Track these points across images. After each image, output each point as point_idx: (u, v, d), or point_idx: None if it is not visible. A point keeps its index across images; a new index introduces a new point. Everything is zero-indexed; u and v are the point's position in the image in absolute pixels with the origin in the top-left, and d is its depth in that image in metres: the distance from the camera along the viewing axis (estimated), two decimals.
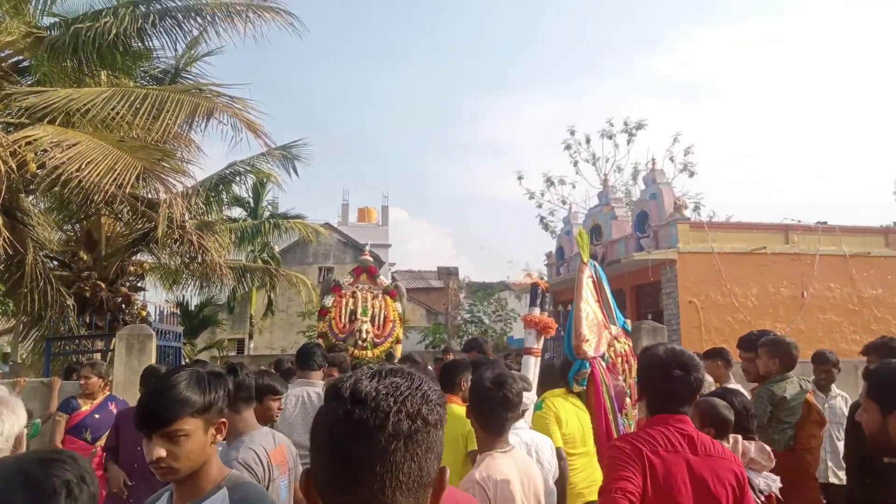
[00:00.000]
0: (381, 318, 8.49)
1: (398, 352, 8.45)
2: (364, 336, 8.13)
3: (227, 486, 1.77)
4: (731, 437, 2.92)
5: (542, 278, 4.13)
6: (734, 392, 3.36)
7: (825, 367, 4.97)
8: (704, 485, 1.95)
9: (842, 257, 15.91)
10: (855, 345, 12.81)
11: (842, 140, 65.65)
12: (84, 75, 7.38)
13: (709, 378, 4.46)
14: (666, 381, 2.09)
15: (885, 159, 64.48)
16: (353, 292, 8.54)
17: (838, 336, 15.25)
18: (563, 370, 4.47)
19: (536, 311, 4.27)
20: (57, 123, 6.35)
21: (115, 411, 5.05)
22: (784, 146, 66.65)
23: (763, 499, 2.85)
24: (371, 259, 9.22)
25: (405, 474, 0.85)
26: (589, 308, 4.62)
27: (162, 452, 1.66)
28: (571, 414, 3.86)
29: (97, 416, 5.13)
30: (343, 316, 8.28)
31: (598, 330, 4.58)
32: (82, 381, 5.21)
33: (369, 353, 8.02)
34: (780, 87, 70.78)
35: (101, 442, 4.85)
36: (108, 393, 5.45)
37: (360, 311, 8.39)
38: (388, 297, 8.70)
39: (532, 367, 4.21)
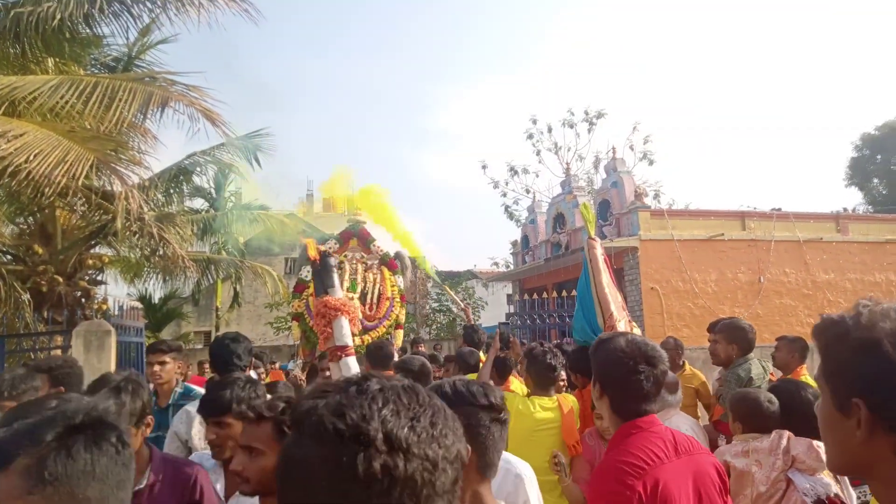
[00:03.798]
0: (375, 296, 6.84)
1: (398, 339, 6.91)
2: None
3: None
4: (776, 432, 2.69)
5: (322, 244, 2.77)
6: (803, 386, 3.01)
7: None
8: (694, 486, 1.85)
9: (796, 243, 16.40)
10: (809, 328, 13.24)
11: (796, 125, 67.41)
12: (29, 62, 7.17)
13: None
14: (632, 378, 1.90)
15: (836, 145, 66.47)
16: (340, 262, 6.79)
17: (794, 320, 15.74)
18: (581, 356, 3.89)
19: (337, 290, 2.94)
20: (1, 113, 6.18)
21: None
22: (741, 132, 68.15)
23: None
24: (364, 220, 7.42)
25: None
26: (611, 286, 4.15)
27: None
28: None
29: None
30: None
31: (620, 312, 4.10)
32: None
33: (356, 340, 6.59)
34: (735, 78, 72.23)
35: None
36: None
37: (347, 285, 6.73)
38: (384, 269, 7.01)
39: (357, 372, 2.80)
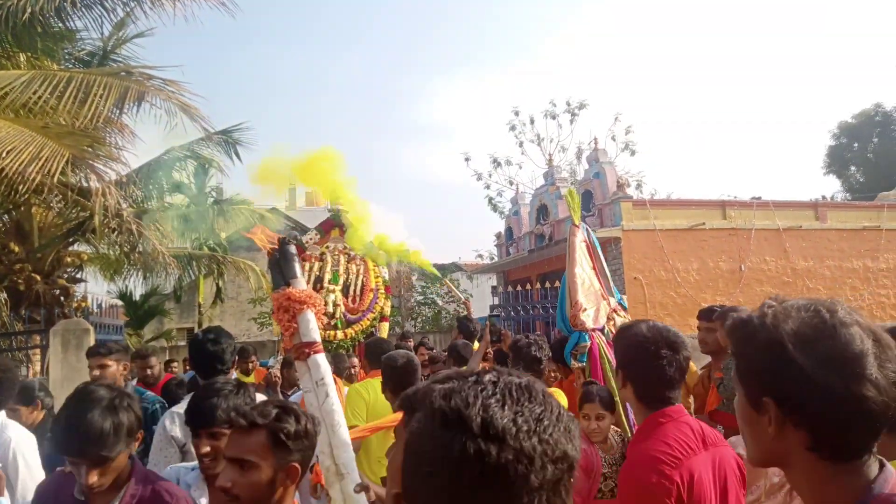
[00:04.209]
0: (358, 287, 6.62)
1: (384, 331, 6.79)
2: (330, 310, 6.32)
3: None
4: None
5: (295, 238, 2.55)
6: None
7: None
8: (720, 478, 1.82)
9: (775, 231, 16.60)
10: None
11: (775, 116, 68.19)
12: (0, 57, 7.03)
13: None
14: (655, 363, 1.85)
15: (815, 133, 67.33)
16: (322, 253, 6.72)
17: None
18: (558, 346, 4.06)
19: (300, 281, 2.56)
20: None
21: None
22: (721, 123, 68.78)
23: None
24: (345, 208, 6.89)
25: None
26: (584, 274, 4.12)
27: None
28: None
29: None
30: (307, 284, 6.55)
31: (596, 299, 4.07)
32: None
33: (339, 334, 6.36)
34: (715, 69, 72.78)
35: None
36: None
37: (328, 277, 6.58)
38: (368, 260, 6.81)
39: (327, 373, 2.44)
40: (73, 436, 1.87)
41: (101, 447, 1.86)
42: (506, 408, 0.73)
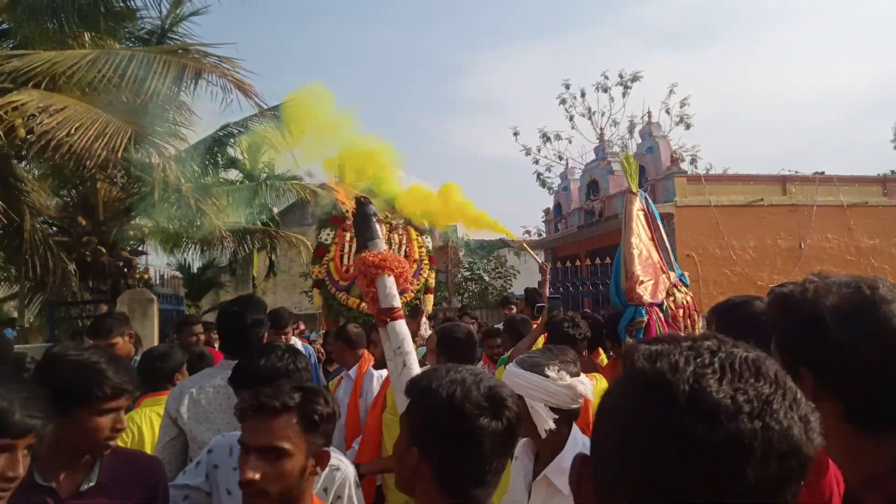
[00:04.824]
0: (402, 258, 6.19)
1: (428, 304, 6.54)
2: None
3: None
4: None
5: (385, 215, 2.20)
6: None
7: None
8: None
9: (839, 207, 15.87)
10: None
11: (840, 86, 64.63)
12: (67, 37, 7.31)
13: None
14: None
15: (884, 105, 63.56)
16: None
17: None
18: (612, 323, 3.79)
19: (378, 244, 2.38)
20: (42, 88, 6.33)
21: None
22: (781, 94, 65.65)
23: None
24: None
25: None
26: (642, 245, 3.85)
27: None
28: None
29: None
30: (346, 256, 6.13)
31: (654, 272, 3.80)
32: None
33: None
34: (776, 35, 69.26)
35: None
36: None
37: None
38: (411, 229, 6.50)
39: (405, 340, 2.33)
40: None
41: None
42: (724, 382, 0.60)
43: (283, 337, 4.65)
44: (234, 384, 2.14)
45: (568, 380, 2.02)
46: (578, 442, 2.03)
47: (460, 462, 1.22)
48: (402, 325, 2.29)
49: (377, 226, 2.42)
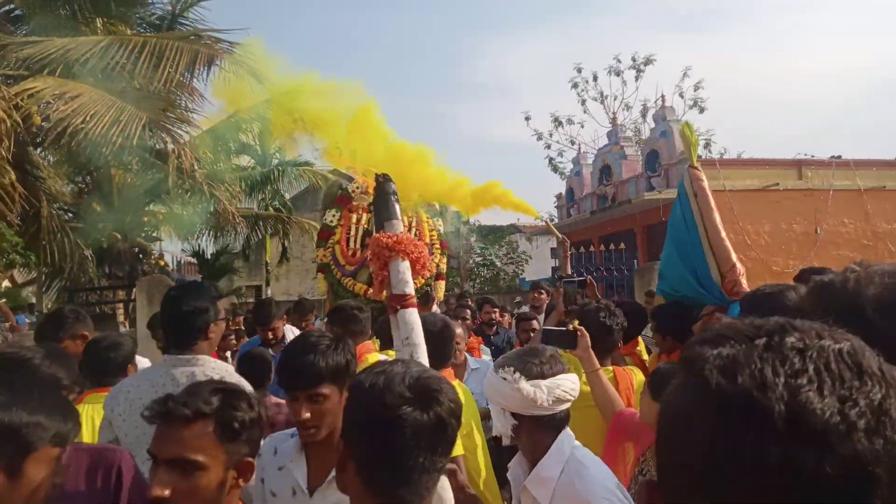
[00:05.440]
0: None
1: (440, 291, 6.20)
2: None
3: None
4: None
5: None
6: None
7: None
8: None
9: (856, 192, 15.65)
10: None
11: (858, 65, 63.40)
12: (79, 24, 7.34)
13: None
14: None
15: None
16: (370, 204, 5.47)
17: None
18: (665, 316, 3.31)
19: (395, 224, 2.23)
20: (57, 75, 6.37)
21: None
22: (797, 75, 64.56)
23: None
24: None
25: None
26: (720, 226, 3.34)
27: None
28: None
29: None
30: (353, 239, 5.79)
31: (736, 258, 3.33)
32: None
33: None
34: (791, 15, 67.93)
35: None
36: None
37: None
38: (421, 211, 6.07)
39: (414, 331, 2.09)
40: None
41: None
42: (825, 391, 0.49)
43: (304, 324, 5.05)
44: None
45: (521, 383, 1.81)
46: (565, 451, 1.84)
47: (380, 455, 1.14)
48: (412, 314, 2.10)
49: (396, 206, 2.24)
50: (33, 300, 14.98)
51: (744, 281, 3.12)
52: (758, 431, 0.48)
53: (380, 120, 2.68)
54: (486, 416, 3.32)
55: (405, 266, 2.14)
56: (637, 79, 26.15)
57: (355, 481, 1.16)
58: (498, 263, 26.51)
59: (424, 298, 5.31)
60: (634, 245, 15.85)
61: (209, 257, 20.47)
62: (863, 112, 62.98)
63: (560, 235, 4.72)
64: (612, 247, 10.02)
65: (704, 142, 25.42)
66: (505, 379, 1.84)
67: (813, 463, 0.47)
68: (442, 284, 6.39)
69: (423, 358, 2.01)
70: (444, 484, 1.74)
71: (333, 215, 5.85)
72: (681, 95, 25.41)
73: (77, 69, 6.69)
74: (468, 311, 6.44)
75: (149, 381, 2.31)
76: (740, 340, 0.55)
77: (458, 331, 3.52)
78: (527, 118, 28.41)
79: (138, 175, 10.07)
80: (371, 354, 3.24)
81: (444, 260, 6.43)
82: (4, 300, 11.23)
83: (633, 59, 26.10)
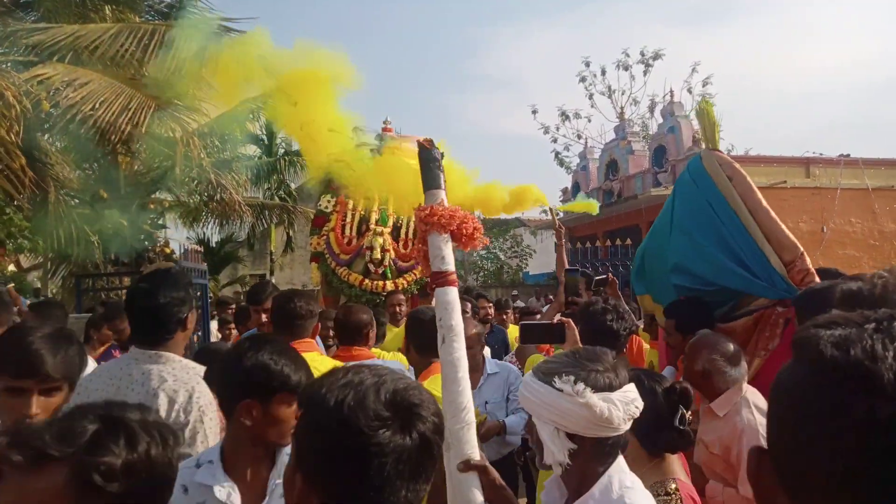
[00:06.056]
0: (411, 230, 5.43)
1: None
2: (378, 256, 5.31)
3: None
4: None
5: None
6: None
7: None
8: None
9: (864, 191, 15.60)
10: None
11: (865, 65, 62.92)
12: (88, 11, 7.34)
13: None
14: None
15: None
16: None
17: (858, 271, 15.13)
18: (689, 312, 2.99)
19: (436, 194, 1.98)
20: (66, 61, 6.39)
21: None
22: (806, 72, 64.13)
23: None
24: (394, 134, 5.87)
25: None
26: (771, 211, 3.11)
27: None
28: None
29: None
30: (349, 226, 5.47)
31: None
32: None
33: (388, 284, 5.35)
34: (801, 9, 67.39)
35: None
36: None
37: (374, 217, 5.51)
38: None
39: (448, 311, 1.84)
40: None
41: None
42: None
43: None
44: None
45: (588, 396, 1.44)
46: (614, 488, 1.48)
47: (353, 491, 0.94)
48: (449, 293, 1.84)
49: (440, 173, 1.99)
50: (38, 285, 15.07)
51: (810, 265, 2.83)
52: (869, 394, 0.56)
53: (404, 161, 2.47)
54: (497, 432, 3.22)
55: (442, 240, 1.91)
56: (645, 73, 26.04)
57: None
58: (502, 257, 26.49)
59: (424, 291, 5.26)
60: (640, 241, 15.80)
61: (214, 245, 20.54)
62: (872, 108, 62.59)
63: (556, 222, 4.55)
64: (617, 242, 10.01)
65: None
66: (562, 391, 1.46)
67: None
68: None
69: (456, 342, 1.77)
70: (473, 483, 1.57)
71: (328, 201, 5.53)
72: (689, 91, 25.29)
73: (86, 56, 6.70)
74: (468, 305, 6.34)
75: (108, 374, 2.16)
76: (852, 325, 0.62)
77: (473, 330, 3.20)
78: (534, 111, 28.32)
79: (145, 162, 10.10)
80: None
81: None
82: (12, 284, 11.28)
83: (642, 54, 25.97)
